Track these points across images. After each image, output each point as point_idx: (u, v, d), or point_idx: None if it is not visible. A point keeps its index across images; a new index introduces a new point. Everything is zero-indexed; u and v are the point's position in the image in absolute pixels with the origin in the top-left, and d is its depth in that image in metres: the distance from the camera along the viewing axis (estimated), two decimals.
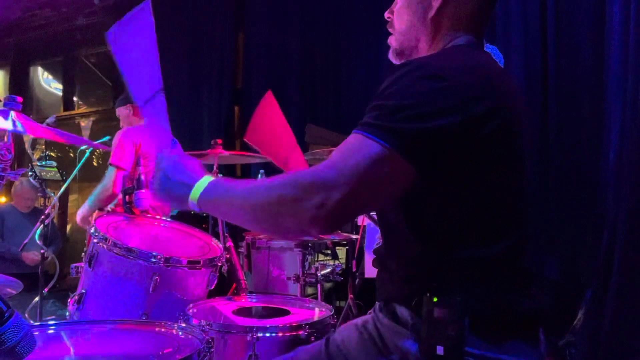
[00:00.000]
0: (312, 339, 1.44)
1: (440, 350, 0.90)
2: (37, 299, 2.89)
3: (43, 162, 3.21)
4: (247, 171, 4.58)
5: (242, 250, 3.38)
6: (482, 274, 0.95)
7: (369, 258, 2.93)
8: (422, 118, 0.87)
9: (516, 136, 0.98)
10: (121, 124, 3.40)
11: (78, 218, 3.02)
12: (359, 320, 1.14)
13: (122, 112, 3.39)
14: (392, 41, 1.15)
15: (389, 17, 1.16)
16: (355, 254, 2.95)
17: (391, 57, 1.16)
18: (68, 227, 6.07)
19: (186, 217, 4.07)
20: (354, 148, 0.88)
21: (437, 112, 0.87)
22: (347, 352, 1.09)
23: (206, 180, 1.02)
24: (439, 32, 1.08)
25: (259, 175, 3.46)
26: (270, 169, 2.54)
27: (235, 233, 4.01)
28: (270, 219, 0.92)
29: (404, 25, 1.12)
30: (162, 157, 1.11)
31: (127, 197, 1.96)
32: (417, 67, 0.93)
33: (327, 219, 0.85)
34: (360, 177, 0.85)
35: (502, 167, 0.96)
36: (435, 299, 0.92)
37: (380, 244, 1.13)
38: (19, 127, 1.70)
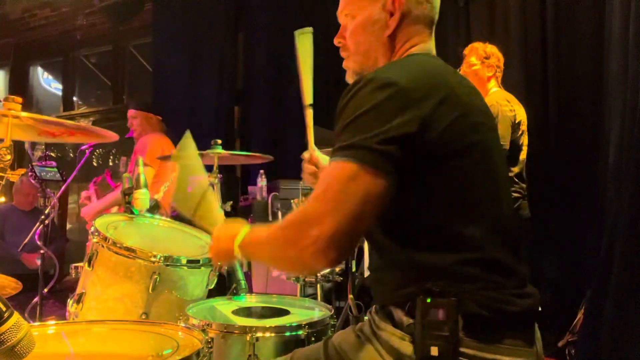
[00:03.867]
0: (312, 339, 1.44)
1: (434, 351, 0.90)
2: (36, 299, 2.89)
3: (43, 162, 3.21)
4: (247, 171, 4.58)
5: None
6: (474, 273, 0.95)
7: (368, 258, 2.93)
8: (382, 125, 0.90)
9: (478, 127, 1.01)
10: (136, 126, 3.48)
11: (88, 211, 3.06)
12: (357, 325, 1.15)
13: (139, 115, 3.49)
14: (350, 64, 1.19)
15: (339, 43, 1.20)
16: (355, 254, 2.95)
17: (350, 79, 1.19)
18: (68, 227, 6.08)
19: (186, 217, 4.07)
20: (331, 175, 0.93)
21: (393, 116, 0.91)
22: (345, 354, 1.09)
23: (243, 232, 1.10)
24: (395, 47, 1.13)
25: (259, 176, 3.46)
26: (271, 169, 2.56)
27: None
28: (283, 261, 1.03)
29: (361, 47, 1.15)
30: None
31: (126, 197, 1.96)
32: (367, 82, 0.96)
33: (326, 250, 0.89)
34: (343, 201, 0.89)
35: (469, 160, 0.98)
36: (428, 300, 0.93)
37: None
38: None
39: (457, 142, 0.96)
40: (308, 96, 1.51)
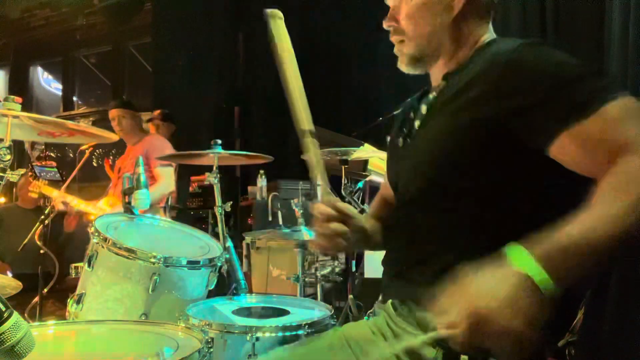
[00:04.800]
0: None
1: (464, 358, 0.85)
2: (36, 299, 2.89)
3: (43, 162, 3.21)
4: (247, 171, 4.58)
5: (241, 250, 3.39)
6: None
7: (368, 258, 2.93)
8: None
9: None
10: (125, 125, 3.44)
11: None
12: (370, 319, 1.12)
13: (127, 114, 3.44)
14: (407, 48, 1.07)
15: (390, 26, 1.08)
16: (355, 254, 2.95)
17: (404, 65, 1.09)
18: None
19: (186, 217, 4.08)
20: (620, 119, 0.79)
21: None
22: (354, 348, 1.05)
23: (527, 258, 0.74)
24: (463, 32, 1.04)
25: (259, 176, 3.47)
26: (271, 169, 2.56)
27: (235, 233, 4.02)
28: None
29: (424, 29, 1.04)
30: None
31: (126, 197, 1.96)
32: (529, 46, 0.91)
33: None
34: None
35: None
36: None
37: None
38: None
39: None
40: (302, 120, 1.13)
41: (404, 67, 1.09)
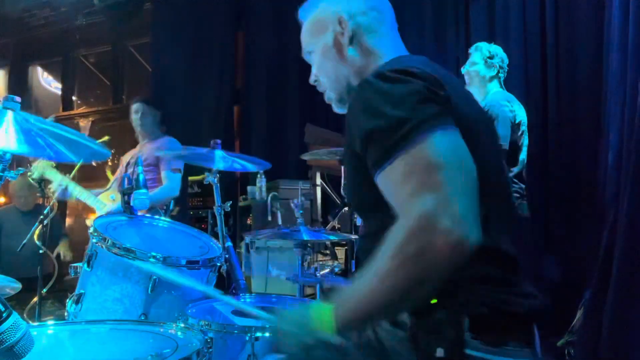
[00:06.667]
0: None
1: (440, 352, 0.88)
2: (35, 299, 2.88)
3: (42, 162, 3.20)
4: (247, 171, 4.57)
5: (240, 250, 3.38)
6: (478, 272, 0.93)
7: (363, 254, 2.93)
8: (419, 104, 0.89)
9: (472, 118, 1.00)
10: (146, 124, 3.42)
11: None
12: None
13: (149, 113, 3.43)
14: (329, 95, 1.21)
15: (315, 82, 1.22)
16: (354, 254, 2.95)
17: (337, 109, 1.21)
18: (67, 227, 6.07)
19: (185, 217, 4.07)
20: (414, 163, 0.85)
21: (424, 101, 0.90)
22: (345, 353, 1.07)
23: (325, 308, 0.90)
24: (362, 62, 1.14)
25: (258, 176, 3.46)
26: (270, 169, 2.55)
27: (235, 233, 4.03)
28: (419, 281, 0.82)
29: (331, 75, 1.17)
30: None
31: (126, 197, 1.95)
32: (371, 80, 0.96)
33: (467, 231, 0.79)
34: (451, 173, 0.83)
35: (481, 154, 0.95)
36: (434, 301, 0.90)
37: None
38: None
39: (466, 124, 0.94)
40: None
41: (337, 110, 1.22)
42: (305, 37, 1.22)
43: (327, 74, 1.18)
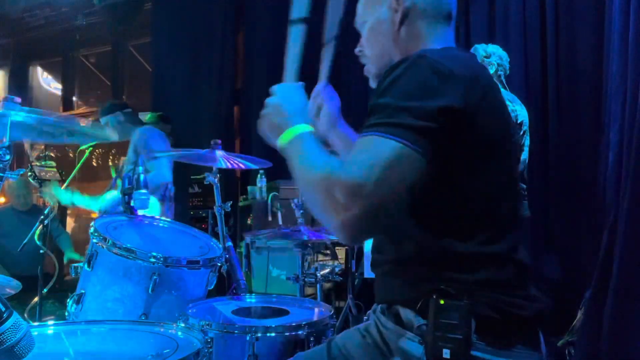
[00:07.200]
0: (312, 339, 1.43)
1: (446, 353, 0.89)
2: (36, 299, 2.88)
3: (42, 162, 3.20)
4: (247, 171, 4.57)
5: (241, 250, 3.38)
6: (487, 275, 0.94)
7: (368, 258, 2.93)
8: (427, 105, 0.90)
9: (503, 127, 1.02)
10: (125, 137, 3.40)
11: None
12: (361, 325, 1.14)
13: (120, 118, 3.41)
14: (370, 69, 1.21)
15: (359, 52, 1.21)
16: (355, 254, 2.95)
17: (373, 84, 1.20)
18: (68, 227, 6.07)
19: (186, 217, 4.07)
20: (376, 149, 0.89)
21: (440, 96, 0.91)
22: (349, 354, 1.08)
23: (297, 130, 1.04)
24: (409, 43, 1.12)
25: (259, 176, 3.46)
26: (270, 169, 2.56)
27: (235, 233, 4.02)
28: (316, 203, 0.95)
29: (377, 49, 1.17)
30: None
31: (126, 197, 1.95)
32: (415, 60, 0.96)
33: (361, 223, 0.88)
34: (388, 179, 0.87)
35: (496, 160, 0.99)
36: (442, 302, 0.91)
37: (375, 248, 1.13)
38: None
39: (488, 140, 0.97)
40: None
41: (373, 84, 1.20)
42: (360, 7, 1.20)
43: (373, 47, 1.18)
